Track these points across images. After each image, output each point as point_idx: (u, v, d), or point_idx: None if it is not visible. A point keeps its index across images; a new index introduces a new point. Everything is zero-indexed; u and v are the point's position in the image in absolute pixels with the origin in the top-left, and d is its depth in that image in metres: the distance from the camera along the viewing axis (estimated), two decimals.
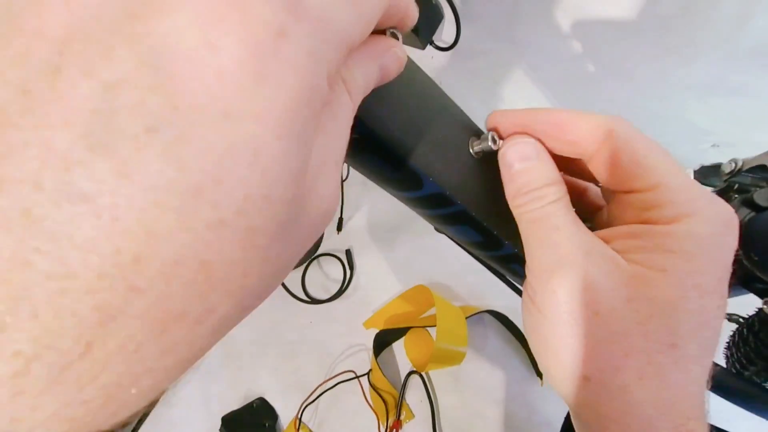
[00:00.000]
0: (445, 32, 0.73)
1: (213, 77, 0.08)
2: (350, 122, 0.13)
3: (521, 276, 0.24)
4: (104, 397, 0.09)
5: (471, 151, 0.21)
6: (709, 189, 0.18)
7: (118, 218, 0.08)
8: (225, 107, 0.08)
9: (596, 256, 0.14)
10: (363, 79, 0.13)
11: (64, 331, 0.08)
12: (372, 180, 0.23)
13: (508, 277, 0.30)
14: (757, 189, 0.24)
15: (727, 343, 0.37)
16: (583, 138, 0.15)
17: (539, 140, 0.17)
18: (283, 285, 0.79)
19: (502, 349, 0.72)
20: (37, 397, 0.08)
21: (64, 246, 0.07)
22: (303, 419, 0.76)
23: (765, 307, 0.21)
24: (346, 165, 0.79)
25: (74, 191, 0.07)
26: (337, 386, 0.77)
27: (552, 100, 0.77)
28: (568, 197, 0.16)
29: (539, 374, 0.67)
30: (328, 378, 0.77)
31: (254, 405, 0.81)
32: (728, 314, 0.33)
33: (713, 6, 0.48)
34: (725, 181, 0.26)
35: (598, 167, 0.15)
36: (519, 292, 0.30)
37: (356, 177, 0.95)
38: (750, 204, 0.23)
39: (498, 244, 0.23)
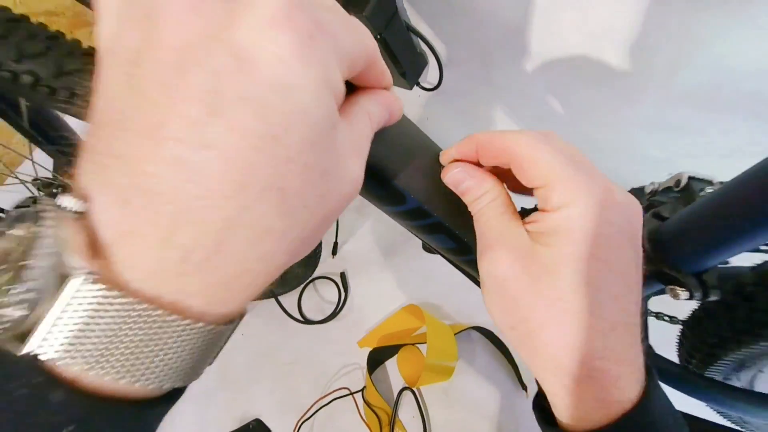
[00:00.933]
0: (430, 75, 0.82)
1: (277, 62, 0.12)
2: (369, 137, 0.18)
3: None
4: (226, 284, 0.13)
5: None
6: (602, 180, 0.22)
7: (231, 158, 0.12)
8: (285, 81, 0.12)
9: (510, 240, 0.20)
10: (378, 115, 0.19)
11: (207, 233, 0.12)
12: (368, 199, 0.29)
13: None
14: (665, 204, 0.30)
15: (677, 340, 0.43)
16: (500, 153, 0.21)
17: (477, 159, 0.22)
18: (281, 306, 0.83)
19: (488, 364, 0.76)
20: (192, 276, 0.13)
21: (202, 177, 0.12)
22: None
23: (669, 293, 0.27)
24: None
25: (205, 142, 0.12)
26: (332, 403, 0.79)
27: None
28: (503, 195, 0.22)
29: (524, 387, 0.71)
30: (323, 395, 0.80)
31: (251, 426, 0.82)
32: (656, 313, 0.38)
33: (651, 55, 0.57)
34: (648, 199, 0.33)
35: (516, 172, 0.21)
36: None
37: (351, 205, 1.01)
38: (658, 216, 0.29)
39: (468, 249, 0.29)
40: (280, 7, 0.12)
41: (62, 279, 0.12)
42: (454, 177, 0.23)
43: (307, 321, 0.88)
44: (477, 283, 0.43)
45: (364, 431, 0.76)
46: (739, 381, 0.38)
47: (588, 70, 0.65)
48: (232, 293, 0.14)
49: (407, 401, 0.77)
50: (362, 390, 0.78)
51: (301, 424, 0.79)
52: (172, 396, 0.15)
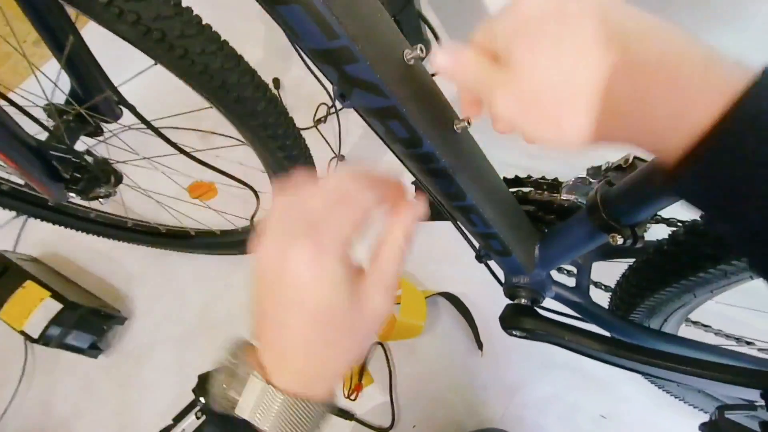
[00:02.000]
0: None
1: (296, 277, 0.21)
2: (396, 271, 0.24)
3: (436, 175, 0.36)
4: (317, 383, 0.24)
5: (405, 59, 0.29)
6: None
7: (302, 342, 0.22)
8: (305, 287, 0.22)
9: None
10: (403, 245, 0.25)
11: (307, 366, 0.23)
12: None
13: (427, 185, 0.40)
14: (616, 175, 0.39)
15: (609, 297, 0.53)
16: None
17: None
18: None
19: (451, 326, 0.85)
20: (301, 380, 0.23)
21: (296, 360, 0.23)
22: None
23: (611, 239, 0.36)
24: (336, 161, 0.90)
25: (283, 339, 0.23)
26: None
27: None
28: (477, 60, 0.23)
29: (480, 347, 0.81)
30: None
31: None
32: (595, 282, 0.48)
33: None
34: (603, 174, 0.42)
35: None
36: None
37: None
38: (609, 183, 0.38)
39: (419, 141, 0.33)
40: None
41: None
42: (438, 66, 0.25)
43: None
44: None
45: None
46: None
47: None
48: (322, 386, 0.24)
49: (377, 354, 0.85)
50: None
51: None
52: None
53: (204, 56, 0.40)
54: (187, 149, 0.57)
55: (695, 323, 0.51)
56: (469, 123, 0.34)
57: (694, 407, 0.64)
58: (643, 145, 0.20)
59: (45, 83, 0.60)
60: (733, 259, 0.31)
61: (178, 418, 0.91)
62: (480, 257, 0.48)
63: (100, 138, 0.71)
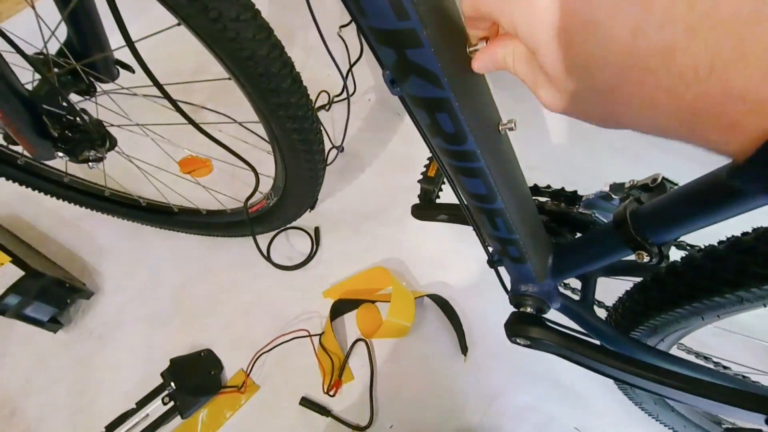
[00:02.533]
0: None
1: None
2: None
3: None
4: None
5: (467, 51, 0.27)
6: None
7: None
8: None
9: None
10: None
11: None
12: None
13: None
14: (642, 194, 0.40)
15: (608, 313, 0.54)
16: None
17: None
18: (257, 245, 0.85)
19: (436, 329, 0.85)
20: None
21: None
22: (249, 375, 0.81)
23: (637, 256, 0.36)
24: (335, 151, 0.88)
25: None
26: (289, 343, 0.83)
27: None
28: (514, 43, 0.23)
29: (464, 352, 0.81)
30: (284, 333, 0.83)
31: (201, 354, 0.84)
32: (598, 301, 0.49)
33: None
34: (626, 192, 0.43)
35: None
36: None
37: (335, 166, 1.04)
38: (638, 201, 0.39)
39: (464, 138, 0.32)
40: None
41: None
42: (480, 67, 0.26)
43: (278, 265, 0.91)
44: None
45: (312, 374, 0.81)
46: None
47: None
48: None
49: (359, 351, 0.83)
50: (320, 335, 0.83)
51: (258, 356, 0.82)
52: None
53: (237, 23, 0.37)
54: (180, 122, 0.53)
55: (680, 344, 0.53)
56: (514, 126, 0.34)
57: (665, 425, 0.67)
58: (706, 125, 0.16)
59: (23, 30, 0.54)
60: (753, 286, 0.32)
61: (143, 403, 0.86)
62: (492, 262, 0.48)
63: (89, 97, 0.65)
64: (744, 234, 0.35)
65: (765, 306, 0.34)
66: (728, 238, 0.36)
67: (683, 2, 0.15)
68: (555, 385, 0.79)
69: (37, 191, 0.83)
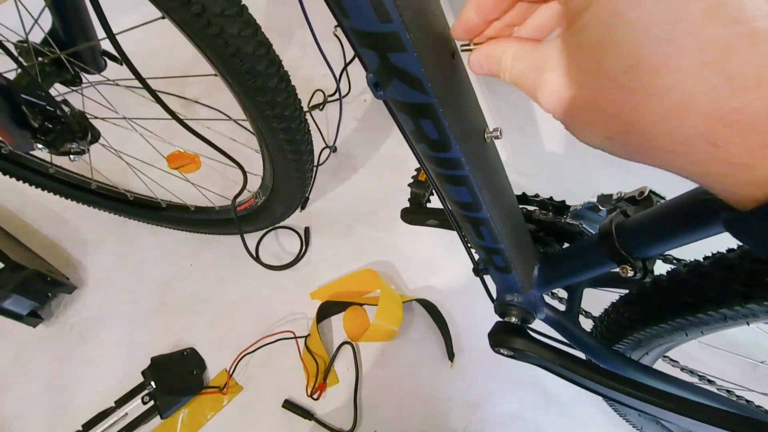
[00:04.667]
0: None
1: None
2: None
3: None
4: None
5: (451, 57, 0.26)
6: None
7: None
8: None
9: (551, 58, 0.19)
10: None
11: None
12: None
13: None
14: (629, 206, 0.40)
15: (593, 325, 0.54)
16: None
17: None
18: (245, 244, 0.84)
19: (423, 334, 0.84)
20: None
21: None
22: (232, 375, 0.80)
23: (621, 270, 0.36)
24: (327, 152, 0.87)
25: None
26: (271, 346, 0.82)
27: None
28: (516, 43, 0.22)
29: (451, 358, 0.80)
30: (269, 334, 0.82)
31: (184, 353, 0.83)
32: (584, 311, 0.49)
33: None
34: (613, 204, 0.42)
35: None
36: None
37: (327, 166, 1.03)
38: (624, 213, 0.38)
39: (449, 145, 0.31)
40: None
41: None
42: (475, 65, 0.25)
43: (266, 265, 0.89)
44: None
45: (295, 377, 0.80)
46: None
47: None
48: None
49: (345, 355, 0.82)
50: (306, 337, 0.82)
51: (242, 356, 0.81)
52: None
53: (222, 18, 0.36)
54: (169, 117, 0.52)
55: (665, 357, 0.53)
56: (500, 135, 0.33)
57: None
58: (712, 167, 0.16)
59: (7, 19, 0.53)
60: (736, 304, 0.32)
61: (122, 401, 0.84)
62: (478, 271, 0.48)
63: (74, 88, 0.64)
64: (729, 250, 0.35)
65: (748, 324, 0.34)
66: (713, 254, 0.36)
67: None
68: (541, 394, 0.79)
69: (21, 182, 0.81)
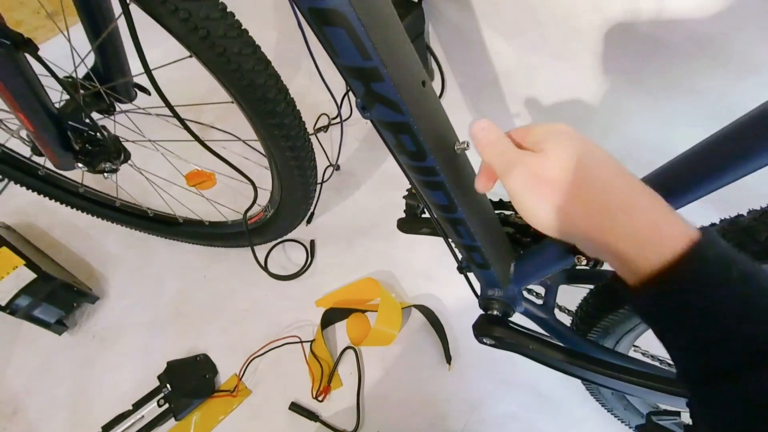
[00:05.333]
0: (436, 85, 0.95)
1: None
2: None
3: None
4: None
5: (422, 85, 0.34)
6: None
7: None
8: None
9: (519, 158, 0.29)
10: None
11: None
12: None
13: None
14: None
15: (571, 318, 0.59)
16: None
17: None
18: (255, 255, 0.91)
19: (422, 338, 0.89)
20: None
21: None
22: (242, 379, 0.85)
23: (576, 260, 0.41)
24: (331, 170, 0.95)
25: None
26: (281, 349, 0.87)
27: None
28: (504, 137, 0.32)
29: (448, 361, 0.85)
30: (276, 339, 0.88)
31: (197, 359, 0.88)
32: (558, 305, 0.54)
33: (588, 121, 0.75)
34: None
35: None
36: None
37: (331, 183, 1.11)
38: None
39: (424, 156, 0.38)
40: None
41: None
42: (475, 132, 0.33)
43: (274, 275, 0.96)
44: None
45: (302, 381, 0.85)
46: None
47: (563, 107, 0.83)
48: None
49: (348, 359, 0.87)
50: (311, 342, 0.88)
51: (251, 360, 0.86)
52: None
53: (239, 56, 0.44)
54: (189, 139, 0.60)
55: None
56: (467, 147, 0.40)
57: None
58: (611, 259, 0.26)
59: (54, 55, 0.62)
60: None
61: (139, 404, 0.90)
62: (461, 268, 0.53)
63: (108, 116, 0.73)
64: None
65: None
66: None
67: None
68: (536, 395, 0.82)
69: (53, 200, 0.90)
